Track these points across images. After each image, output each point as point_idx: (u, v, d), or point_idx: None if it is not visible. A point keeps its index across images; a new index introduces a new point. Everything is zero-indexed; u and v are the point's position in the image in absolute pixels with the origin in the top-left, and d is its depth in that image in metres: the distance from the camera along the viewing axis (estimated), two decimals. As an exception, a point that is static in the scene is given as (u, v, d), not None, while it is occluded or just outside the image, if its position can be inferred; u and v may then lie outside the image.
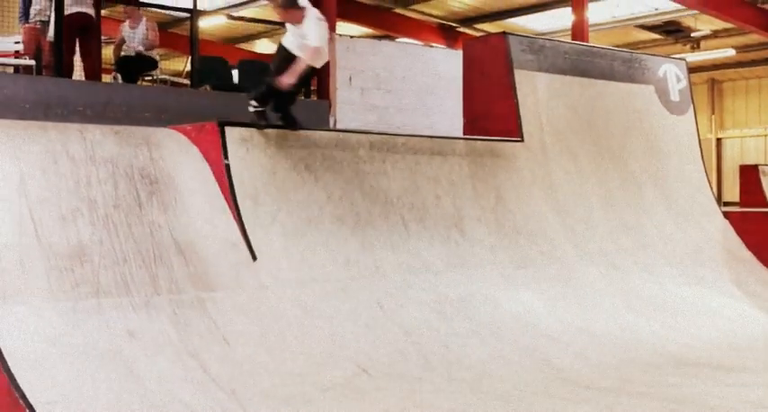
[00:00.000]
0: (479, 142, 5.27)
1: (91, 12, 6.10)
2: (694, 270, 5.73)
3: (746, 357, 4.32)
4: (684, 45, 15.84)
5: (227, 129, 4.06)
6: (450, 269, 4.48)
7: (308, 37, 4.15)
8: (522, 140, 5.51)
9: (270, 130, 4.26)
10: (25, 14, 6.30)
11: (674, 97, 6.71)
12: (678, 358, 4.27)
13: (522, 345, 4.10)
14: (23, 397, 2.84)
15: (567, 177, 5.63)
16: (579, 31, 11.55)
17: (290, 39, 4.24)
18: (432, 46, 12.41)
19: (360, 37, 11.72)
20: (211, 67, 7.34)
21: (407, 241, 4.42)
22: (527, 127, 5.56)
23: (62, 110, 4.98)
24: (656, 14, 14.41)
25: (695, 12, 13.62)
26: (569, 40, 10.19)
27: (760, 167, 9.62)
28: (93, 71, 6.18)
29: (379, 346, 3.75)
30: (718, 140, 19.15)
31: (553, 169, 5.57)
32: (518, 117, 5.52)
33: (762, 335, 4.94)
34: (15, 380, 2.87)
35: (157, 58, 7.04)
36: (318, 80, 7.93)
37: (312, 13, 4.24)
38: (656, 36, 15.88)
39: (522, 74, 5.66)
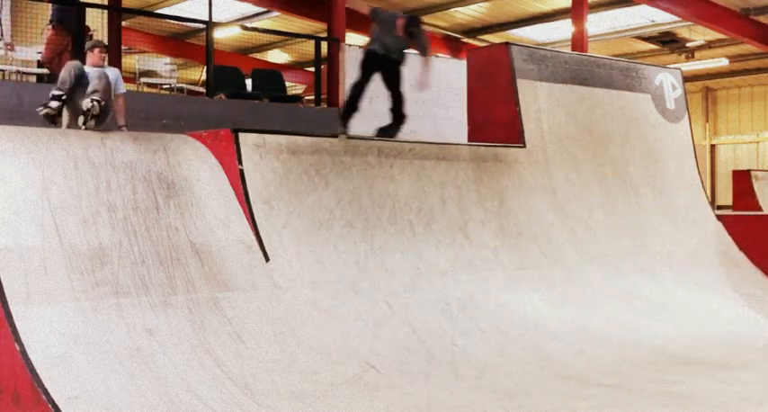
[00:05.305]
0: (483, 148, 5.40)
1: None
2: (693, 271, 5.84)
3: (746, 356, 4.42)
4: (680, 55, 16.10)
5: (241, 136, 4.19)
6: (456, 270, 4.59)
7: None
8: (525, 146, 5.65)
9: (282, 137, 4.41)
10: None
11: (670, 105, 6.87)
12: (678, 357, 4.36)
13: (524, 344, 4.21)
14: (46, 392, 2.92)
15: (568, 181, 5.75)
16: (579, 41, 11.77)
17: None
18: (437, 56, 12.62)
19: (369, 47, 11.89)
20: (226, 76, 7.52)
21: (414, 244, 4.54)
22: (529, 133, 5.70)
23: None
24: (653, 26, 14.67)
25: (690, 23, 13.87)
26: (569, 51, 10.39)
27: (752, 172, 9.81)
28: None
29: (388, 344, 3.85)
30: (712, 146, 19.43)
31: (554, 174, 5.70)
32: (520, 124, 5.66)
33: (761, 335, 5.03)
34: (38, 376, 2.96)
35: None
36: (328, 89, 8.11)
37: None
38: (653, 46, 16.13)
39: (524, 83, 5.81)
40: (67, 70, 4.60)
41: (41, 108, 4.47)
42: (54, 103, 4.49)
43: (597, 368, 4.04)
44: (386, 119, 5.28)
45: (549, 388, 3.67)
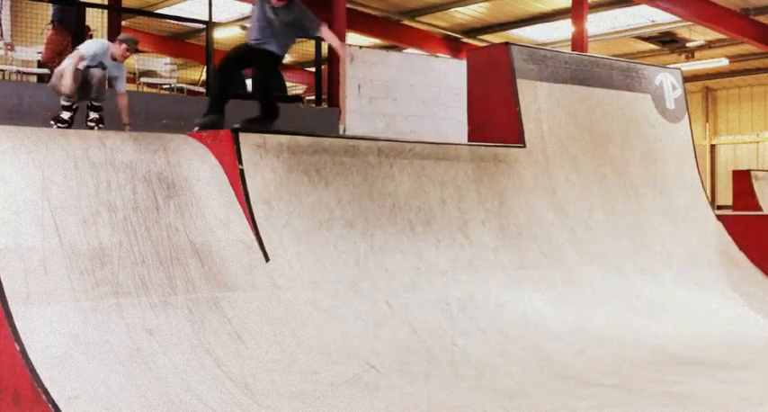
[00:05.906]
0: (483, 148, 5.40)
1: None
2: (693, 271, 5.84)
3: (746, 356, 4.42)
4: (680, 55, 16.14)
5: (242, 136, 4.19)
6: (456, 270, 4.59)
7: None
8: (525, 146, 5.66)
9: (282, 137, 4.41)
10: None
11: (670, 105, 6.87)
12: (678, 357, 4.36)
13: (524, 344, 4.21)
14: (46, 392, 2.92)
15: (568, 181, 5.75)
16: (579, 41, 11.81)
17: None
18: (437, 56, 12.66)
19: (368, 47, 11.97)
20: (226, 75, 7.50)
21: (415, 244, 4.53)
22: (529, 133, 5.71)
23: (82, 117, 5.13)
24: (653, 26, 14.70)
25: (690, 23, 13.90)
26: (569, 51, 10.41)
27: (752, 172, 9.85)
28: None
29: (388, 344, 3.85)
30: (712, 146, 19.49)
31: (554, 174, 5.70)
32: (520, 124, 5.67)
33: (761, 335, 5.02)
34: (38, 376, 2.95)
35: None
36: (329, 89, 8.14)
37: None
38: (653, 46, 16.17)
39: (523, 83, 5.81)
40: (75, 82, 4.69)
41: (53, 122, 4.60)
42: (66, 114, 4.62)
43: (597, 368, 4.03)
44: (386, 119, 5.29)
45: (549, 388, 3.67)
